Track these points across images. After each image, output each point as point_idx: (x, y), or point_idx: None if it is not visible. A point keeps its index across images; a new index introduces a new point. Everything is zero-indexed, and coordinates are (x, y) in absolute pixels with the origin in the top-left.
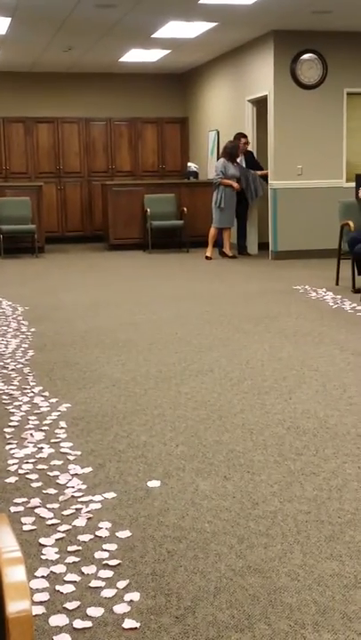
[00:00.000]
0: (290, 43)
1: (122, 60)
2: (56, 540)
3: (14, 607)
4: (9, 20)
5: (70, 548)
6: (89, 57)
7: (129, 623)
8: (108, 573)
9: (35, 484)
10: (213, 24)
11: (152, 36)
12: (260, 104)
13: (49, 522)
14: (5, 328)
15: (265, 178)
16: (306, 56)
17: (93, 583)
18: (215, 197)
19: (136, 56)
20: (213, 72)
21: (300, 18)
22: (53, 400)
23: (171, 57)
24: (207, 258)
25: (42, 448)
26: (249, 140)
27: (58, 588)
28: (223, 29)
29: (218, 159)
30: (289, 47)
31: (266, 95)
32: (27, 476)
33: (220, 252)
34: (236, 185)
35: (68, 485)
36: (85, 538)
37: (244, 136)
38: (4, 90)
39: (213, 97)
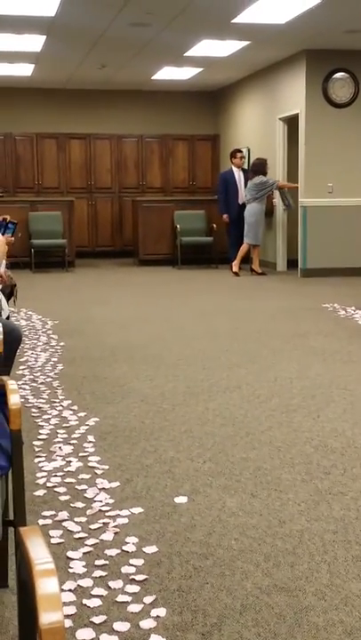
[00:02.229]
0: (322, 61)
1: (154, 77)
2: (83, 553)
3: (47, 618)
4: (44, 37)
5: (97, 562)
6: (122, 74)
7: (155, 639)
8: (134, 588)
9: (63, 498)
10: (246, 43)
11: (185, 54)
12: (292, 122)
13: (76, 535)
14: (35, 342)
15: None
16: (338, 75)
17: (120, 598)
18: (255, 212)
19: (168, 74)
20: (245, 90)
21: (333, 37)
22: (82, 414)
23: (203, 75)
24: (235, 274)
25: (70, 461)
26: (279, 158)
27: (85, 601)
28: (255, 48)
29: (249, 176)
30: (321, 66)
31: (297, 113)
32: (55, 489)
33: (250, 268)
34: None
35: (95, 499)
36: (112, 552)
37: (240, 151)
38: (39, 106)
39: (245, 115)
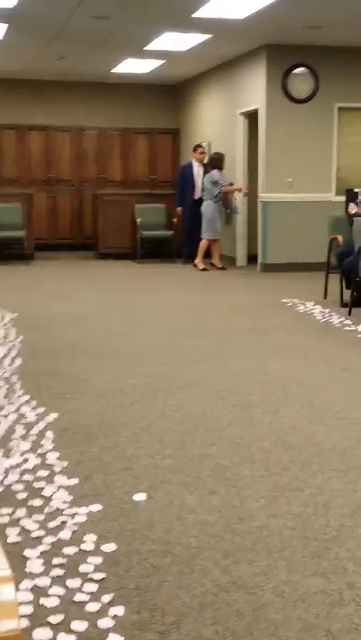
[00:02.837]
0: (282, 57)
1: (115, 70)
2: (41, 552)
3: (3, 626)
4: (5, 26)
5: (55, 561)
6: (82, 66)
7: (113, 638)
8: (92, 587)
9: (20, 495)
10: (207, 36)
11: (146, 47)
12: (252, 117)
13: (34, 534)
14: None
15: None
16: (298, 70)
17: (78, 597)
18: (213, 208)
19: (129, 67)
20: (206, 84)
21: (292, 33)
22: (41, 410)
23: (164, 68)
24: (200, 269)
25: (28, 458)
26: (240, 153)
27: (42, 601)
28: (216, 42)
29: (207, 170)
30: (281, 61)
31: (258, 108)
32: (12, 487)
33: (210, 263)
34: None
35: (53, 497)
36: (70, 551)
37: (201, 146)
38: None
39: (206, 109)
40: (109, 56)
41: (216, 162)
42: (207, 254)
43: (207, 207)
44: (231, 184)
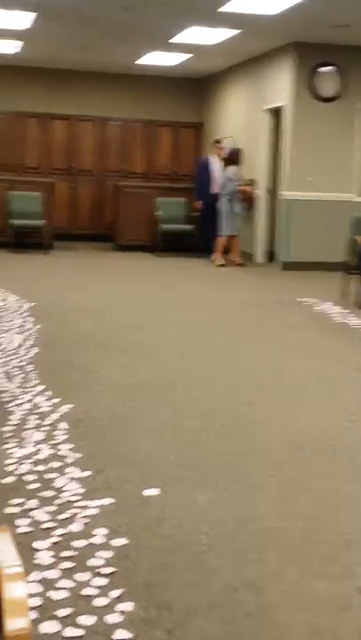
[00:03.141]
0: (309, 55)
1: (141, 62)
2: (51, 544)
3: (13, 625)
4: (34, 15)
5: (64, 554)
6: (109, 57)
7: (120, 634)
8: (101, 581)
9: (32, 486)
10: (236, 32)
11: (173, 40)
12: (277, 114)
13: (44, 525)
14: (10, 324)
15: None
16: (325, 69)
17: (86, 591)
18: (231, 204)
19: (156, 59)
20: (232, 79)
21: (321, 31)
22: (55, 400)
23: (190, 62)
24: (218, 265)
25: (41, 449)
26: (263, 149)
27: (50, 594)
28: (245, 38)
29: (224, 166)
30: (308, 59)
31: (283, 106)
32: (24, 477)
33: (229, 259)
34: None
35: (65, 489)
36: (80, 544)
37: (219, 142)
38: (23, 84)
39: (230, 104)
40: (135, 48)
41: (233, 157)
42: (227, 250)
43: (222, 204)
44: (250, 183)
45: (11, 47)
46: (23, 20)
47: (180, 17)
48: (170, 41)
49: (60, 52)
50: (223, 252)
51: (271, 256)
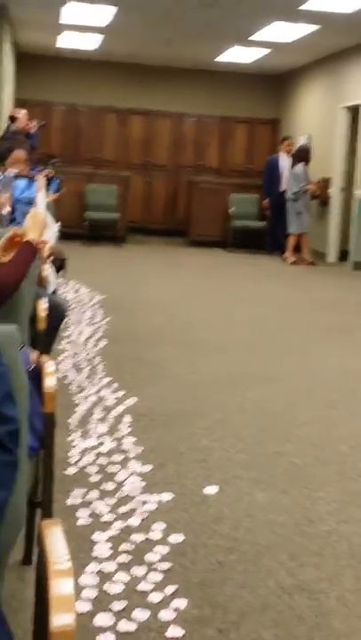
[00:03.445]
0: None
1: (219, 58)
2: (109, 537)
3: (59, 621)
4: (115, 9)
5: (122, 547)
6: (187, 52)
7: (173, 631)
8: (157, 577)
9: (93, 478)
10: (315, 27)
11: (252, 36)
12: (356, 112)
13: (104, 518)
14: (81, 316)
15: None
16: None
17: (142, 586)
18: (298, 202)
19: (234, 55)
20: (309, 76)
21: None
22: (120, 393)
23: (268, 58)
24: (290, 262)
25: (104, 442)
26: (339, 147)
27: (106, 586)
28: (324, 34)
29: (293, 163)
30: None
31: None
32: (86, 469)
33: (299, 257)
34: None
35: (126, 482)
36: (138, 538)
37: (288, 138)
38: (103, 79)
39: (307, 101)
40: (215, 44)
41: (302, 155)
42: (298, 248)
43: (290, 203)
44: (320, 181)
45: (92, 42)
46: (104, 14)
47: (260, 14)
48: (250, 37)
49: (140, 47)
50: (294, 249)
51: (344, 255)
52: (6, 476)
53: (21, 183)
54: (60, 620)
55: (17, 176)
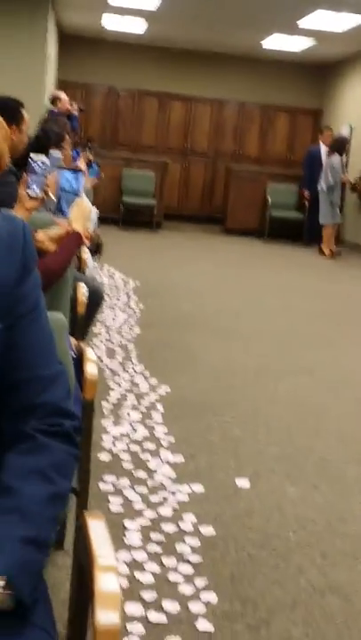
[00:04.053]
0: None
1: (264, 45)
2: (141, 525)
3: (104, 618)
4: None
5: (153, 537)
6: (232, 38)
7: (203, 625)
8: (187, 569)
9: (126, 465)
10: None
11: (298, 22)
12: None
13: (136, 506)
14: (115, 301)
15: None
16: None
17: (172, 577)
18: (331, 193)
19: (278, 43)
20: (354, 67)
21: None
22: (153, 381)
23: (313, 48)
24: (327, 255)
25: (137, 429)
26: None
27: (137, 575)
28: None
29: (328, 154)
30: None
31: None
32: (119, 455)
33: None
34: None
35: (158, 471)
36: (169, 528)
37: (328, 128)
38: (145, 63)
39: (351, 92)
40: (259, 29)
41: (337, 146)
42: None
43: (322, 192)
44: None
45: (137, 26)
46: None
47: (306, 1)
48: (295, 25)
49: (185, 32)
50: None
51: None
52: (71, 467)
53: (68, 174)
54: (106, 617)
55: (62, 167)
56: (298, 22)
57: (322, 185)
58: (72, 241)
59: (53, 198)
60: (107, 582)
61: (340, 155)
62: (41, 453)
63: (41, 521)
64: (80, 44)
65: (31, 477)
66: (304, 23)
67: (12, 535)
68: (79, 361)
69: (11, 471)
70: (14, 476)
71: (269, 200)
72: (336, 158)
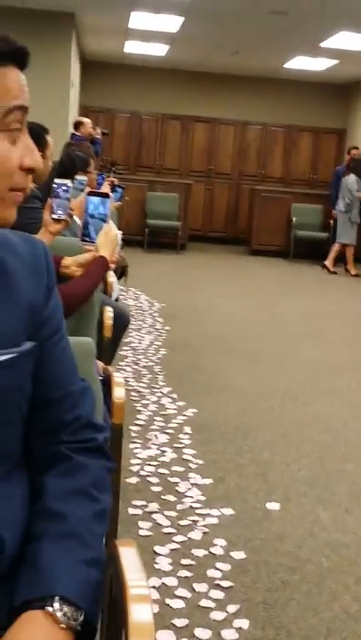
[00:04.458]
0: None
1: (287, 66)
2: (170, 550)
3: None
4: (182, 19)
5: (184, 562)
6: (254, 61)
7: None
8: (219, 594)
9: (155, 489)
10: None
11: (320, 44)
12: None
13: (165, 530)
14: (141, 323)
15: None
16: None
17: (203, 602)
18: (348, 213)
19: (301, 64)
20: None
21: None
22: (180, 403)
23: (337, 67)
24: (330, 272)
25: (165, 451)
26: None
27: (168, 601)
28: None
29: (345, 174)
30: None
31: None
32: (148, 479)
33: (345, 269)
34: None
35: (187, 494)
36: (200, 553)
37: (355, 148)
38: (167, 87)
39: None
40: (282, 52)
41: (354, 166)
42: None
43: (340, 211)
44: None
45: (159, 50)
46: (172, 23)
47: (330, 22)
48: (318, 46)
49: (206, 55)
50: (335, 259)
51: None
52: (108, 481)
53: (95, 199)
54: None
55: (90, 193)
56: (322, 44)
57: (340, 205)
58: (99, 266)
59: (78, 222)
60: (140, 613)
61: (357, 175)
62: (80, 473)
63: (95, 540)
64: (102, 70)
65: (76, 499)
66: (327, 44)
67: (75, 560)
68: (107, 384)
69: (54, 495)
70: (59, 500)
71: (294, 220)
72: (351, 178)
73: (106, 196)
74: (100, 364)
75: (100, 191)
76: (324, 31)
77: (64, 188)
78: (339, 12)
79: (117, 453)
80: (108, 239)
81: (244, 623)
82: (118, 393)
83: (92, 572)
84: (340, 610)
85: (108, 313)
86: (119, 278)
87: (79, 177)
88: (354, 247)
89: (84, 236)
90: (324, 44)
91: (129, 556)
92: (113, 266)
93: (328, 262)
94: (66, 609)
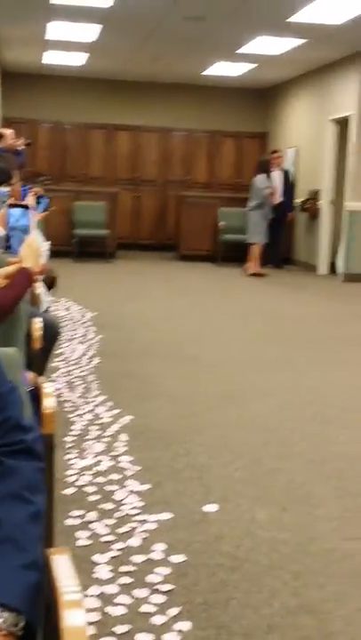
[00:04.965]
0: None
1: (206, 72)
2: (110, 558)
3: None
4: (100, 27)
5: (123, 569)
6: (174, 68)
7: None
8: (159, 599)
9: (92, 498)
10: (302, 41)
11: (239, 50)
12: (343, 124)
13: (104, 538)
14: (73, 333)
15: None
16: None
17: (144, 608)
18: (265, 212)
19: (220, 69)
20: (296, 89)
21: None
22: (116, 411)
23: (255, 72)
24: (258, 275)
25: (101, 461)
26: (328, 159)
27: (108, 609)
28: (311, 47)
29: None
30: None
31: (349, 115)
32: (84, 489)
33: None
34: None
35: (124, 502)
36: (139, 559)
37: (276, 151)
38: (89, 96)
39: (295, 114)
40: (201, 58)
41: (263, 167)
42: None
43: (251, 212)
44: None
45: (78, 59)
46: (90, 32)
47: (247, 28)
48: (237, 51)
49: (126, 63)
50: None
51: (334, 268)
52: (41, 482)
53: (16, 211)
54: None
55: (12, 205)
56: (239, 50)
57: (249, 205)
58: (23, 277)
59: (1, 234)
60: (73, 617)
61: (267, 173)
62: (11, 477)
63: (31, 544)
64: (23, 81)
65: (9, 503)
66: (246, 49)
67: (13, 565)
68: (36, 396)
69: None
70: None
71: (221, 224)
72: (259, 177)
73: (27, 207)
74: (31, 375)
75: (21, 203)
76: (243, 36)
77: None
78: (256, 17)
79: (49, 464)
80: (31, 250)
81: (185, 625)
82: (48, 403)
83: (31, 576)
84: (279, 606)
85: (37, 324)
86: (49, 289)
87: (1, 189)
88: (261, 246)
89: (6, 248)
90: (242, 50)
91: (62, 564)
92: (38, 277)
93: (250, 264)
94: (6, 615)
